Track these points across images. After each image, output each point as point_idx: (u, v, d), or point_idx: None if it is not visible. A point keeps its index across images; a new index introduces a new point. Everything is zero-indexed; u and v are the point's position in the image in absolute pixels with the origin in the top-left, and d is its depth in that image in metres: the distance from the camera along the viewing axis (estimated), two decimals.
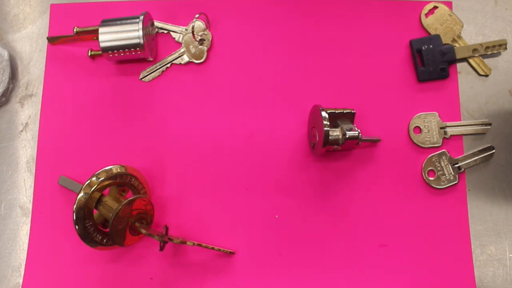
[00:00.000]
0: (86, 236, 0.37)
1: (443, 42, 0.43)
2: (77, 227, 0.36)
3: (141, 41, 0.40)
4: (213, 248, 0.39)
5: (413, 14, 0.44)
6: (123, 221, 0.36)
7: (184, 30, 0.44)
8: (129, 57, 0.42)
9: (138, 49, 0.41)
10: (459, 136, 0.42)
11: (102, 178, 0.37)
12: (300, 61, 0.44)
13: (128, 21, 0.41)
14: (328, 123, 0.37)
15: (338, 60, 0.44)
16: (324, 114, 0.38)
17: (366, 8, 0.44)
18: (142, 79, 0.44)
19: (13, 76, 0.44)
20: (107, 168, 0.37)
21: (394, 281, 0.40)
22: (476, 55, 0.43)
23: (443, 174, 0.41)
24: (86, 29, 0.42)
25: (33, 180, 0.42)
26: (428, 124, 0.42)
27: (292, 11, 0.45)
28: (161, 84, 0.44)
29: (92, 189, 0.36)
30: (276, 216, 0.41)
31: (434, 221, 0.40)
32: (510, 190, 0.41)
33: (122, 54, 0.41)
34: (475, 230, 0.40)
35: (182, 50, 0.44)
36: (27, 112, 0.44)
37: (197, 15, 0.43)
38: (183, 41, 0.44)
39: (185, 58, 0.44)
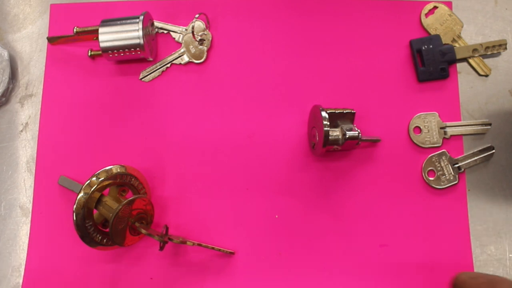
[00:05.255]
0: (86, 236, 0.37)
1: (443, 42, 0.43)
2: (77, 227, 0.36)
3: (141, 41, 0.40)
4: (213, 248, 0.39)
5: (413, 14, 0.44)
6: (123, 221, 0.36)
7: (184, 30, 0.44)
8: (129, 57, 0.42)
9: (138, 49, 0.41)
10: (459, 136, 0.42)
11: (102, 178, 0.37)
12: (300, 61, 0.44)
13: (128, 21, 0.41)
14: (328, 123, 0.37)
15: (338, 60, 0.44)
16: (324, 114, 0.38)
17: (366, 8, 0.44)
18: (142, 79, 0.44)
19: (13, 76, 0.44)
20: (107, 168, 0.37)
21: (394, 281, 0.40)
22: (476, 55, 0.43)
23: (443, 174, 0.41)
24: (86, 29, 0.42)
25: (33, 180, 0.42)
26: (428, 124, 0.42)
27: (292, 11, 0.45)
28: (161, 84, 0.44)
29: (92, 189, 0.36)
30: (276, 216, 0.41)
31: (434, 221, 0.40)
32: (510, 190, 0.41)
33: (122, 54, 0.41)
34: (475, 230, 0.40)
35: (182, 50, 0.44)
36: (27, 112, 0.44)
37: (197, 15, 0.43)
38: (183, 41, 0.44)
39: (185, 58, 0.44)
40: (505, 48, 0.43)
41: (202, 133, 0.42)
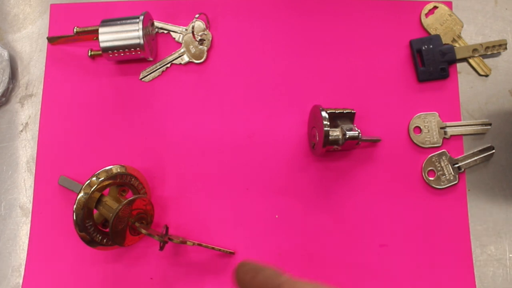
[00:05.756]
0: (86, 236, 0.37)
1: (443, 42, 0.43)
2: (77, 227, 0.36)
3: (141, 41, 0.40)
4: (213, 248, 0.39)
5: (413, 14, 0.44)
6: (123, 221, 0.36)
7: (184, 30, 0.44)
8: (129, 57, 0.42)
9: (138, 49, 0.41)
10: (459, 136, 0.42)
11: (102, 178, 0.37)
12: (300, 61, 0.44)
13: (128, 21, 0.41)
14: (328, 123, 0.37)
15: (338, 60, 0.44)
16: (324, 114, 0.38)
17: (366, 8, 0.44)
18: (142, 79, 0.44)
19: (13, 76, 0.44)
20: (107, 168, 0.37)
21: (394, 281, 0.40)
22: (476, 55, 0.43)
23: (443, 174, 0.41)
24: (86, 29, 0.42)
25: (33, 180, 0.42)
26: (428, 124, 0.42)
27: (292, 11, 0.45)
28: (161, 84, 0.44)
29: (92, 189, 0.36)
30: (276, 216, 0.41)
31: (434, 221, 0.40)
32: (510, 190, 0.41)
33: (122, 54, 0.41)
34: (475, 230, 0.40)
35: (182, 50, 0.44)
36: (27, 112, 0.44)
37: (197, 15, 0.43)
38: (183, 41, 0.44)
39: (185, 58, 0.44)
40: (505, 48, 0.43)
41: (202, 133, 0.42)
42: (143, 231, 0.36)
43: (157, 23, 0.44)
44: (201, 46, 0.44)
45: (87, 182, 0.36)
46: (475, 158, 0.41)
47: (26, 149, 0.43)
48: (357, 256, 0.40)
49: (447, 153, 0.41)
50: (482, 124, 0.42)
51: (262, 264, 0.27)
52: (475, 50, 0.43)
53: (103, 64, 0.44)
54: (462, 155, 0.41)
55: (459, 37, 0.43)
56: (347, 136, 0.38)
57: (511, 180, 0.41)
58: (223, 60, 0.44)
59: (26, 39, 0.45)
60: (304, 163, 0.42)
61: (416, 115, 0.42)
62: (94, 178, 0.37)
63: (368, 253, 0.40)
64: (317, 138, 0.39)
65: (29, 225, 0.41)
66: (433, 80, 0.43)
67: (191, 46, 0.44)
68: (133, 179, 0.39)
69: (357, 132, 0.38)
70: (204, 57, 0.44)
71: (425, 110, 0.42)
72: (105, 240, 0.37)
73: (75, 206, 0.36)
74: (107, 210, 0.37)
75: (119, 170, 0.38)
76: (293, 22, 0.44)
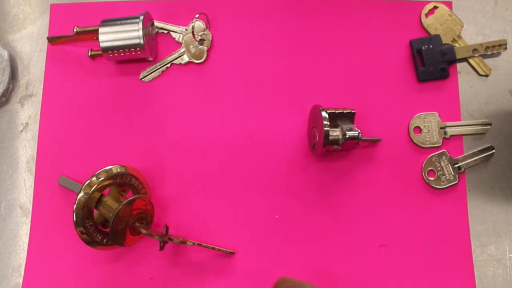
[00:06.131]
0: (86, 236, 0.37)
1: (443, 42, 0.43)
2: (77, 227, 0.36)
3: (141, 41, 0.40)
4: (213, 248, 0.39)
5: (413, 14, 0.44)
6: (123, 221, 0.36)
7: (184, 30, 0.44)
8: (129, 57, 0.42)
9: (138, 49, 0.41)
10: (459, 136, 0.42)
11: (102, 178, 0.37)
12: (300, 61, 0.44)
13: (128, 21, 0.41)
14: (328, 123, 0.37)
15: (338, 60, 0.44)
16: (324, 114, 0.38)
17: (366, 8, 0.44)
18: (142, 79, 0.44)
19: (13, 76, 0.44)
20: (107, 168, 0.37)
21: (394, 281, 0.40)
22: (476, 55, 0.43)
23: (443, 174, 0.41)
24: (86, 29, 0.42)
25: (33, 180, 0.42)
26: (428, 124, 0.42)
27: (292, 11, 0.45)
28: (161, 84, 0.44)
29: (92, 189, 0.36)
30: (276, 216, 0.41)
31: (434, 221, 0.40)
32: (510, 190, 0.41)
33: (122, 54, 0.41)
34: (475, 230, 0.40)
35: (182, 50, 0.44)
36: (27, 112, 0.44)
37: (197, 15, 0.43)
38: (183, 41, 0.44)
39: (185, 58, 0.44)
40: (505, 48, 0.43)
41: (202, 133, 0.42)
42: (143, 231, 0.36)
43: (157, 23, 0.44)
44: (201, 46, 0.44)
45: (87, 182, 0.36)
46: (475, 158, 0.41)
47: (26, 149, 0.43)
48: (357, 256, 0.40)
49: (447, 153, 0.41)
50: (482, 124, 0.42)
51: (301, 281, 0.27)
52: (475, 50, 0.43)
53: (103, 64, 0.44)
54: (462, 155, 0.41)
55: (459, 37, 0.43)
56: (347, 136, 0.38)
57: (511, 180, 0.41)
58: (223, 60, 0.44)
59: (26, 39, 0.45)
60: (304, 163, 0.42)
61: (416, 115, 0.42)
62: (94, 178, 0.37)
63: (368, 253, 0.40)
64: (317, 138, 0.39)
65: (29, 225, 0.41)
66: (433, 80, 0.43)
67: (191, 46, 0.44)
68: (133, 179, 0.39)
69: (357, 132, 0.38)
70: (204, 57, 0.44)
71: (425, 110, 0.42)
72: (105, 240, 0.37)
73: (75, 206, 0.36)
74: (107, 210, 0.37)
75: (119, 170, 0.38)
76: (293, 22, 0.44)
